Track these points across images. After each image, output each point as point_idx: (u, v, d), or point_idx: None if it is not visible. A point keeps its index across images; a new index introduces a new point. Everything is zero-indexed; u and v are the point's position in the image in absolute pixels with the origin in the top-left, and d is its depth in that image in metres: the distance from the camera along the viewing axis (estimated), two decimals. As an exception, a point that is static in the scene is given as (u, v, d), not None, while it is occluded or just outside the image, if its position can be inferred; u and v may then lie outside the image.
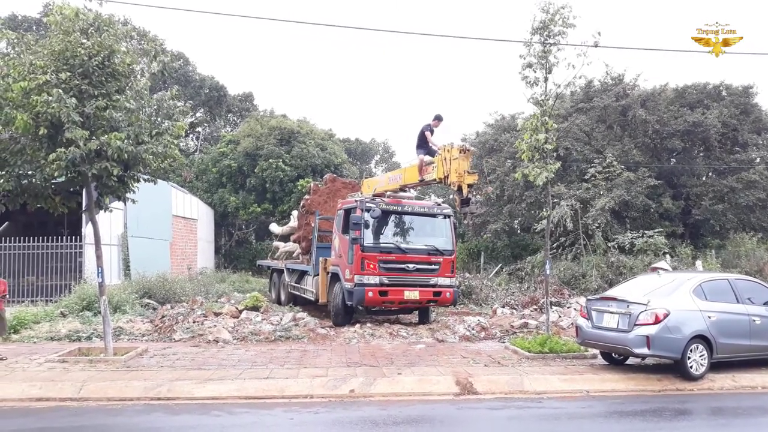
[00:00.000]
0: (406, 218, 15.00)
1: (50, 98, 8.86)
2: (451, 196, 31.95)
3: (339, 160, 36.25)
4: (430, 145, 14.26)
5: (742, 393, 9.57)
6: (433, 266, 14.66)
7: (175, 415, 7.66)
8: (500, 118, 32.30)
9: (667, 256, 22.60)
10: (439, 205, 15.79)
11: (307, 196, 20.25)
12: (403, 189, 15.78)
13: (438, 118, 14.60)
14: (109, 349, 10.32)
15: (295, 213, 22.53)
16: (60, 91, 8.93)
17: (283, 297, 19.52)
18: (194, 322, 14.06)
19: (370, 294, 13.97)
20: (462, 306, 18.73)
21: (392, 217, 14.85)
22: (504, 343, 12.88)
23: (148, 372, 9.42)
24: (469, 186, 12.78)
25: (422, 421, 7.69)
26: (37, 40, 10.28)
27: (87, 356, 10.28)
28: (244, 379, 9.01)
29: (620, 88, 28.73)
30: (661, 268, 12.75)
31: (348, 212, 14.88)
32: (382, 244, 14.43)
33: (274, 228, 24.30)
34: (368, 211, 14.22)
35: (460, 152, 12.73)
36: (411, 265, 14.40)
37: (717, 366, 10.12)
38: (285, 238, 22.62)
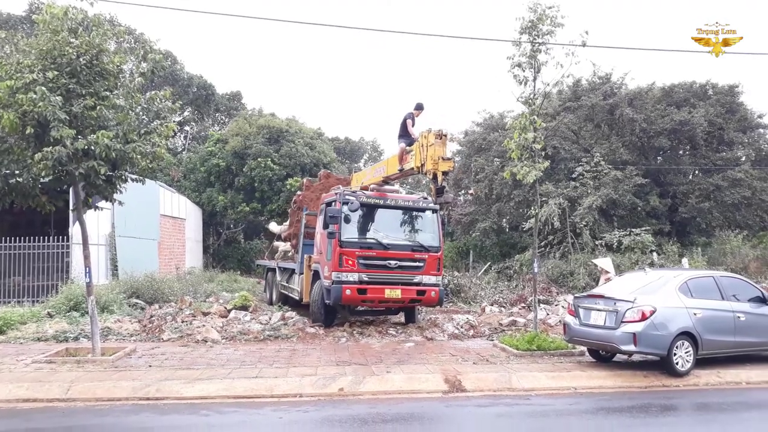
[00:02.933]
0: (389, 212, 14.18)
1: (35, 96, 8.82)
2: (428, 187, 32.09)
3: (328, 159, 36.21)
4: (411, 133, 13.69)
5: (726, 389, 9.70)
6: (417, 263, 13.87)
7: (164, 415, 7.64)
8: (489, 117, 32.41)
9: (654, 254, 22.82)
10: (426, 198, 14.88)
11: (299, 192, 20.01)
12: (386, 182, 15.15)
13: (419, 107, 14.05)
14: (96, 349, 10.27)
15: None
16: (44, 88, 8.88)
17: (274, 297, 19.37)
18: (183, 321, 14.01)
19: (348, 292, 13.15)
20: (451, 304, 18.79)
21: (373, 211, 14.03)
22: (492, 341, 12.95)
23: (137, 372, 9.38)
24: (444, 174, 12.09)
25: (411, 419, 7.72)
26: (24, 38, 10.21)
27: (74, 357, 10.21)
28: (233, 379, 9.00)
29: (608, 87, 28.95)
30: (599, 264, 12.94)
31: (329, 206, 14.24)
32: (361, 239, 13.69)
33: (274, 227, 23.86)
34: (346, 203, 13.41)
35: (436, 137, 12.07)
36: (393, 262, 13.57)
37: (702, 362, 10.24)
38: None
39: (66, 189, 10.80)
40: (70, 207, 12.54)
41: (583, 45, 11.60)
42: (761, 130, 29.99)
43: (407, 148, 13.50)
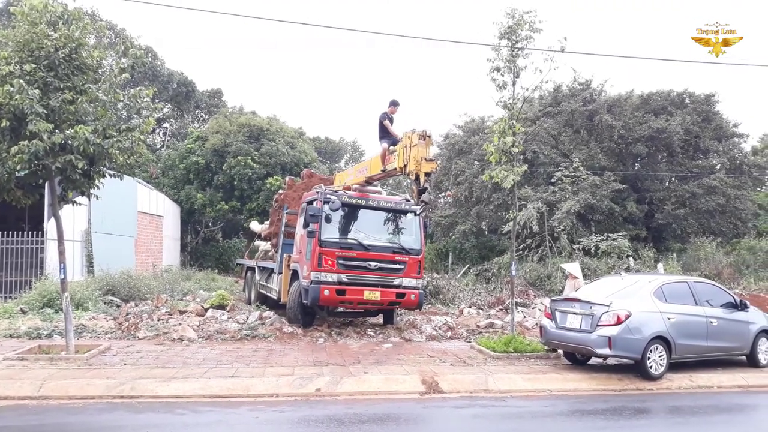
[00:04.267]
0: (371, 213, 13.95)
1: (12, 89, 8.69)
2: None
3: (309, 159, 36.11)
4: (393, 134, 13.48)
5: (698, 392, 9.85)
6: (397, 266, 13.64)
7: (139, 414, 7.56)
8: (470, 121, 32.58)
9: (631, 259, 23.10)
10: (408, 200, 14.56)
11: (281, 191, 19.82)
12: (369, 182, 14.95)
13: (394, 104, 13.80)
14: (70, 346, 10.13)
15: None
16: (22, 81, 8.76)
17: (253, 296, 19.22)
18: (159, 320, 13.87)
19: (326, 292, 12.90)
20: (429, 306, 18.81)
21: (355, 211, 13.80)
22: (470, 342, 13.01)
23: (111, 370, 9.27)
24: (427, 175, 11.89)
25: (388, 420, 7.73)
26: (1, 29, 10.06)
27: (47, 354, 10.06)
28: (209, 378, 8.93)
29: (587, 94, 29.27)
30: (567, 269, 13.21)
31: (310, 204, 13.97)
32: (341, 240, 13.45)
33: (255, 226, 23.54)
34: (327, 203, 13.18)
35: (419, 138, 11.91)
36: (373, 264, 13.33)
37: (675, 366, 10.40)
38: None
39: (42, 183, 10.64)
40: (46, 202, 12.36)
41: (562, 50, 11.70)
42: (736, 139, 30.52)
43: (391, 148, 13.30)
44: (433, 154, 12.41)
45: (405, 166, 12.27)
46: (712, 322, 10.66)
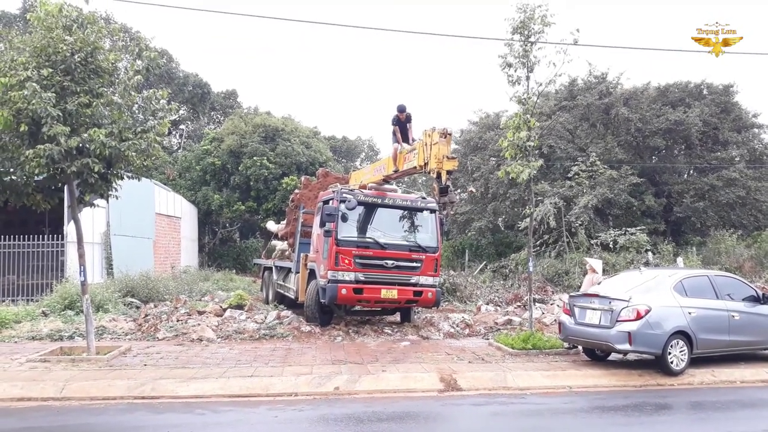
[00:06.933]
0: (387, 211, 14.00)
1: (27, 93, 8.79)
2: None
3: (324, 158, 36.17)
4: (398, 138, 13.73)
5: (721, 387, 9.72)
6: (414, 264, 13.64)
7: (159, 414, 7.62)
8: (485, 116, 32.43)
9: (650, 253, 22.88)
10: (424, 198, 14.66)
11: (297, 191, 19.90)
12: (387, 181, 15.03)
13: (400, 110, 13.95)
14: (91, 348, 10.24)
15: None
16: (36, 85, 8.85)
17: (270, 296, 19.31)
18: (178, 320, 13.97)
19: (344, 291, 12.96)
20: (447, 303, 18.76)
21: (371, 210, 13.84)
22: (488, 339, 12.97)
23: (132, 371, 9.35)
24: (449, 173, 11.92)
25: (407, 418, 7.72)
26: (19, 35, 10.18)
27: (69, 355, 10.18)
28: (228, 378, 8.98)
29: (603, 87, 29.02)
30: (589, 262, 13.24)
31: (326, 204, 14.10)
32: (358, 238, 13.49)
33: (271, 226, 23.63)
34: (343, 202, 13.20)
35: (440, 136, 11.90)
36: (390, 262, 13.37)
37: (697, 361, 10.28)
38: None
39: (60, 187, 10.77)
40: (65, 205, 12.50)
41: (575, 43, 11.63)
42: (755, 130, 30.11)
43: (407, 147, 13.41)
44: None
45: (426, 164, 12.25)
46: (734, 316, 10.52)
